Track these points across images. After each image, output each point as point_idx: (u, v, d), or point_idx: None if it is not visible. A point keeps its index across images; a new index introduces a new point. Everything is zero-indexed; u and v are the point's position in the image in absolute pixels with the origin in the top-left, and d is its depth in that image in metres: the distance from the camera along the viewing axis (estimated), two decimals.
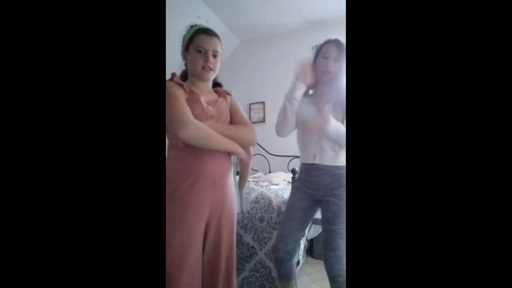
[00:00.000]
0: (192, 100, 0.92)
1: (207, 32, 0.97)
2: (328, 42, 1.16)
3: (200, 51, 0.95)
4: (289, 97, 1.12)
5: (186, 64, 1.04)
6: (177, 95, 0.88)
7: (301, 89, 1.12)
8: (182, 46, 1.02)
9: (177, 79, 0.96)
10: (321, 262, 1.15)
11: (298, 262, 1.47)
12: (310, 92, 1.25)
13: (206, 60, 0.95)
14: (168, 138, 0.96)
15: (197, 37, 0.96)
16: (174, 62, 1.10)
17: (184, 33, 1.02)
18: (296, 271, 1.47)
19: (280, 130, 1.16)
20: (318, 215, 1.21)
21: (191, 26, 1.01)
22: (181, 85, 0.93)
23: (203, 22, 1.06)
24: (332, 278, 1.10)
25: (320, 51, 1.16)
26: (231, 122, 1.03)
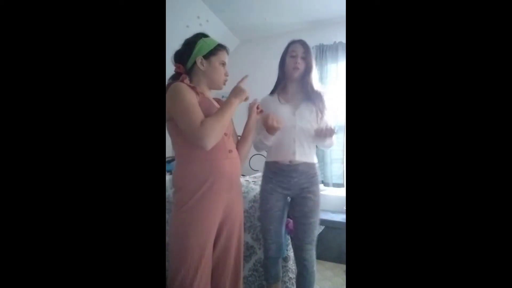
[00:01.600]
0: (208, 103, 0.97)
1: (227, 49, 1.07)
2: (293, 42, 1.26)
3: (223, 65, 1.04)
4: (265, 143, 1.19)
5: (192, 69, 1.03)
6: (191, 99, 0.90)
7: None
8: (196, 52, 1.01)
9: (187, 81, 0.96)
10: (319, 262, 1.15)
11: (285, 258, 1.50)
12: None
13: (227, 74, 1.07)
14: (176, 141, 0.96)
15: (221, 51, 1.04)
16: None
17: (201, 41, 1.01)
18: (288, 266, 1.50)
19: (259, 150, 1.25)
20: None
21: (204, 36, 1.04)
22: (193, 88, 0.95)
23: (203, 22, 1.06)
24: (309, 271, 1.20)
25: (287, 51, 1.26)
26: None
